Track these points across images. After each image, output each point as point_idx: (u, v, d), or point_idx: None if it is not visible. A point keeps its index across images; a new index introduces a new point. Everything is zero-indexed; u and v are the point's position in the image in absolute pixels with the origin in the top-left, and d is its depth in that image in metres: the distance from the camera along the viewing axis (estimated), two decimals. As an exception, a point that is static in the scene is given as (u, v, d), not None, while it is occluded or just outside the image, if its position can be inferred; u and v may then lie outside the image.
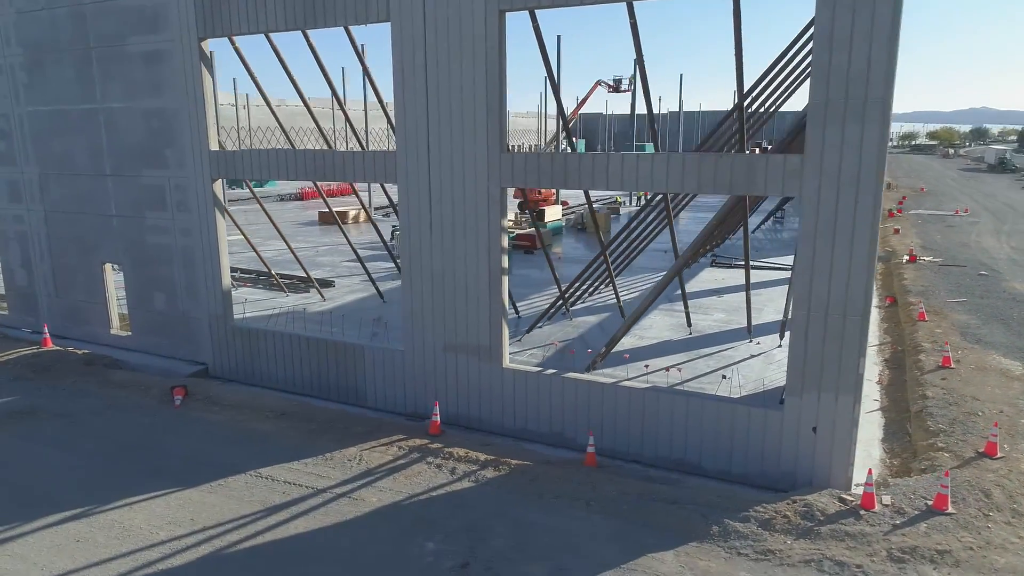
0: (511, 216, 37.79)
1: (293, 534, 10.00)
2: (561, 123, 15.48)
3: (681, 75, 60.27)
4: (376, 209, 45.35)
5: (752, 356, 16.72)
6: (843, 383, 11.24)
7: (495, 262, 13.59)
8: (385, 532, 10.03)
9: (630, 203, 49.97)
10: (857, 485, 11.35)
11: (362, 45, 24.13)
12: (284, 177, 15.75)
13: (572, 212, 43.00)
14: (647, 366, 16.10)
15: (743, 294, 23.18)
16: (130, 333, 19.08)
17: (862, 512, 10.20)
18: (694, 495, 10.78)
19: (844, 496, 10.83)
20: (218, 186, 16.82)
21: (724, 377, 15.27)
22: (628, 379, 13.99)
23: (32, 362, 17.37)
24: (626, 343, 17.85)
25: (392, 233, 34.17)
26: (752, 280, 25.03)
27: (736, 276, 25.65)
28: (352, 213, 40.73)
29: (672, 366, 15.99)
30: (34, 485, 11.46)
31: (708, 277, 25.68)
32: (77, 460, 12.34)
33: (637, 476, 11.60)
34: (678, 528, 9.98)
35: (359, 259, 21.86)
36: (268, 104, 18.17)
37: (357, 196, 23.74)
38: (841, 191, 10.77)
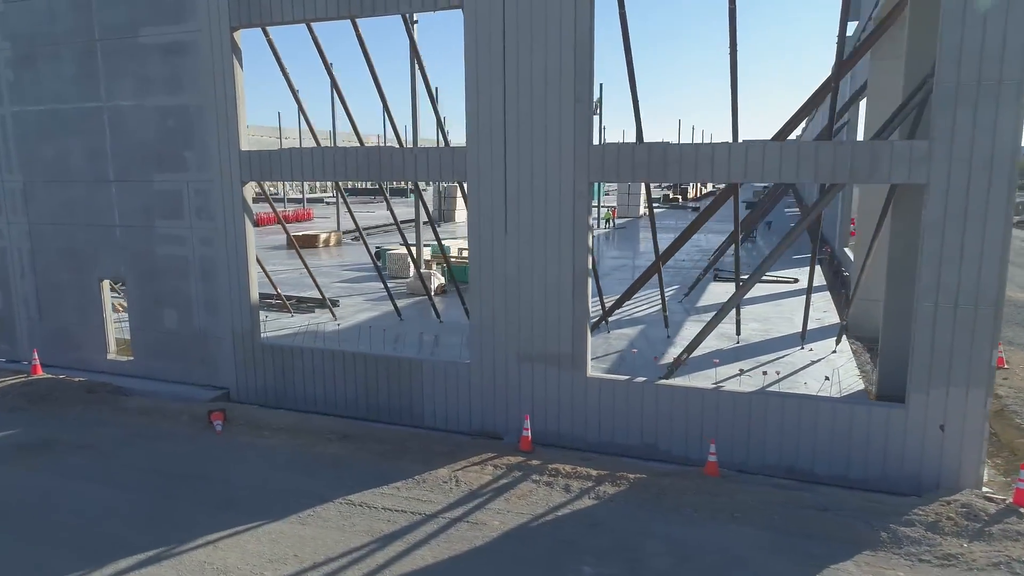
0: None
1: (423, 565, 8.68)
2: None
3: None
4: (345, 233, 43.65)
5: (813, 362, 16.26)
6: (974, 376, 10.79)
7: (580, 262, 12.68)
8: (529, 557, 8.83)
9: (598, 223, 49.56)
10: (986, 483, 10.89)
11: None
12: (331, 178, 14.46)
13: None
14: (742, 371, 15.36)
15: (764, 305, 23.00)
16: (131, 358, 17.12)
17: (1022, 510, 9.66)
18: (839, 501, 10.05)
19: (991, 495, 10.30)
20: (248, 190, 15.34)
21: (827, 378, 14.69)
22: (721, 383, 13.24)
23: (25, 391, 15.27)
24: (674, 354, 17.13)
25: (376, 254, 32.73)
26: (762, 292, 24.93)
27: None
28: (323, 237, 38.99)
29: (747, 370, 15.34)
30: (93, 526, 9.70)
31: (719, 291, 25.38)
32: (128, 495, 10.60)
33: (764, 485, 10.77)
34: (843, 536, 9.19)
35: (381, 276, 20.54)
36: (300, 107, 16.76)
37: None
38: (973, 176, 10.41)
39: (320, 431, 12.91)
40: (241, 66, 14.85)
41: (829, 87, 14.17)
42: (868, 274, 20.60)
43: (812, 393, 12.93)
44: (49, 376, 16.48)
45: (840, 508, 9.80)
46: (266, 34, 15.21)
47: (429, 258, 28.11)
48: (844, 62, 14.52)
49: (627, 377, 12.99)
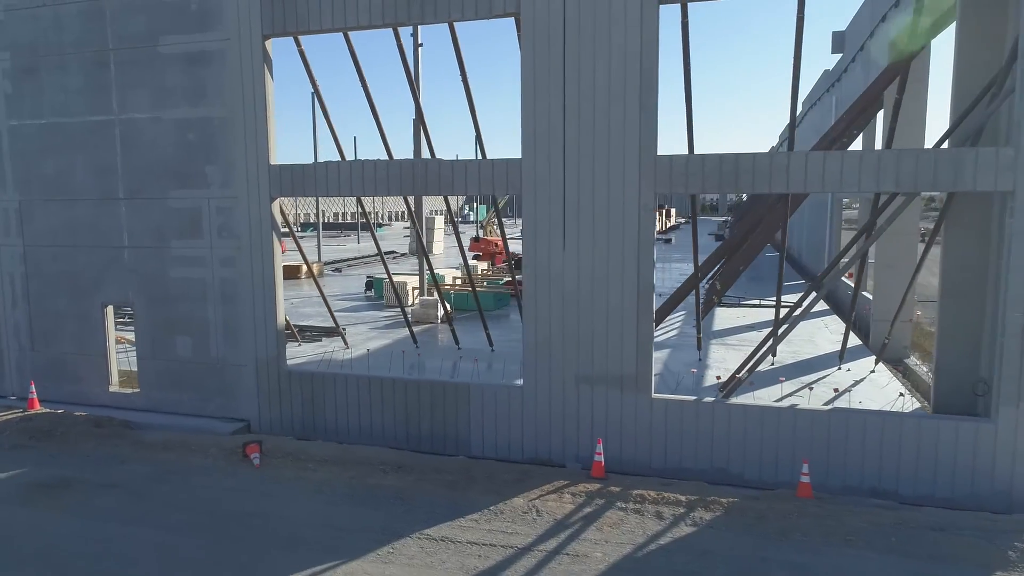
0: (483, 266, 36.27)
1: (536, 603, 7.84)
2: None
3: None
4: (326, 264, 42.48)
5: (857, 381, 15.96)
6: (1067, 388, 10.53)
7: (646, 279, 12.15)
8: (651, 590, 8.08)
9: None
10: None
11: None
12: (370, 192, 13.70)
13: None
14: (811, 388, 14.88)
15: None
16: (136, 390, 15.83)
17: None
18: (951, 521, 9.58)
19: (1098, 510, 9.96)
20: (276, 207, 14.45)
21: (901, 395, 14.32)
22: (789, 399, 12.74)
23: (25, 427, 13.88)
24: (711, 377, 16.67)
25: (367, 284, 31.81)
26: (767, 317, 24.80)
27: (755, 313, 25.32)
28: (305, 268, 37.74)
29: (796, 390, 14.93)
30: (152, 574, 8.56)
31: (728, 315, 25.15)
32: (181, 538, 9.47)
33: (864, 505, 10.24)
34: (970, 558, 8.69)
35: (402, 305, 19.66)
36: (328, 120, 15.96)
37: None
38: (1061, 183, 10.28)
39: (369, 462, 11.93)
40: (272, 76, 14.09)
41: (876, 100, 14.12)
42: (883, 295, 20.64)
43: (893, 410, 12.54)
44: (48, 411, 15.09)
45: (955, 528, 9.32)
46: (298, 44, 14.51)
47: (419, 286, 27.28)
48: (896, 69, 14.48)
49: (694, 398, 12.42)
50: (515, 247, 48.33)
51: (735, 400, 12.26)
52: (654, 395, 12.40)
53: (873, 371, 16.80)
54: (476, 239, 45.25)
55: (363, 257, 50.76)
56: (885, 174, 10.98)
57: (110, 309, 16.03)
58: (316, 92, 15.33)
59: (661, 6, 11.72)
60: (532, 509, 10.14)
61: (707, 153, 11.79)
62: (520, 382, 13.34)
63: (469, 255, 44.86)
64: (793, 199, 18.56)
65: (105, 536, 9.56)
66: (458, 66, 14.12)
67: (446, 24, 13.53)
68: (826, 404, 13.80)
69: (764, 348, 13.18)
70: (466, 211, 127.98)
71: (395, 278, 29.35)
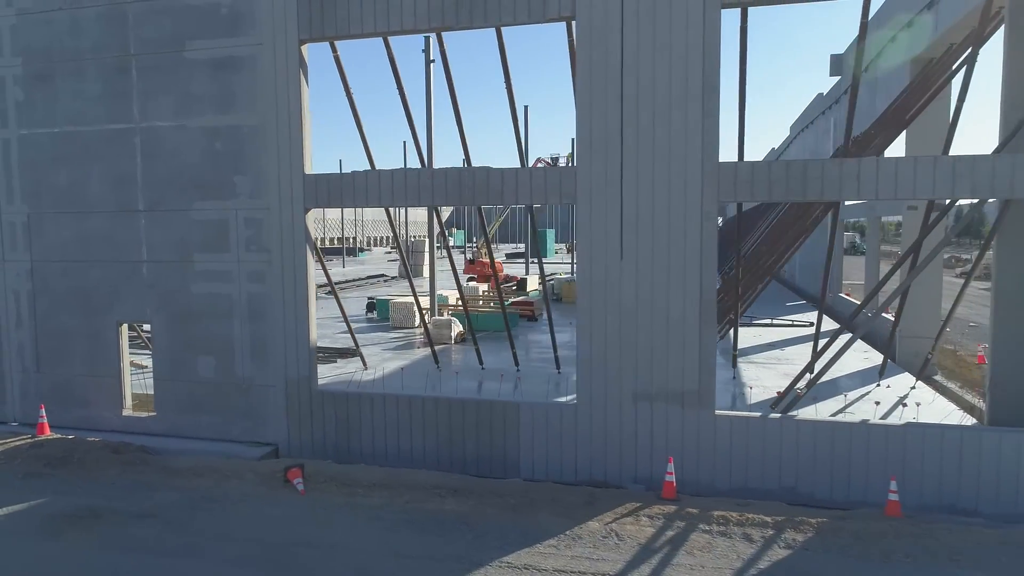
0: (484, 288, 35.65)
1: (650, 636, 7.19)
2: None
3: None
4: (319, 287, 41.43)
5: (902, 397, 15.59)
6: None
7: (708, 289, 11.70)
8: (769, 619, 7.48)
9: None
10: None
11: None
12: (413, 203, 13.12)
13: (551, 279, 41.32)
14: (877, 403, 14.37)
15: (800, 347, 22.53)
16: (153, 413, 14.90)
17: None
18: (1054, 538, 9.12)
19: None
20: (310, 218, 13.78)
21: (973, 406, 13.94)
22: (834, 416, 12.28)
23: (37, 454, 12.90)
24: (751, 394, 16.20)
25: (368, 306, 31.03)
26: (782, 336, 24.56)
27: (769, 333, 25.04)
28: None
29: (849, 403, 14.48)
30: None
31: (746, 334, 24.79)
32: (242, 571, 8.65)
33: (959, 523, 9.77)
34: (1088, 576, 8.23)
35: (427, 328, 18.97)
36: (360, 130, 15.31)
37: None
38: None
39: (421, 486, 11.20)
40: (307, 82, 13.51)
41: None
42: (909, 312, 20.45)
43: (968, 424, 12.16)
44: (59, 436, 14.09)
45: (1061, 546, 8.87)
46: (333, 49, 13.96)
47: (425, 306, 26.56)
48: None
49: (759, 414, 11.93)
50: (508, 270, 47.96)
51: (804, 416, 11.79)
52: (718, 411, 11.90)
53: (914, 387, 16.47)
54: (471, 261, 44.63)
55: (354, 280, 49.78)
56: (961, 181, 10.71)
57: (124, 328, 15.14)
58: (350, 99, 14.75)
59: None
60: (611, 533, 9.50)
61: (772, 160, 11.43)
62: (572, 399, 12.75)
63: (464, 277, 44.31)
64: (807, 211, 18.36)
65: (148, 570, 8.71)
66: (503, 73, 13.66)
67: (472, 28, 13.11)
68: (882, 418, 13.37)
69: (821, 361, 12.76)
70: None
71: (399, 300, 28.66)
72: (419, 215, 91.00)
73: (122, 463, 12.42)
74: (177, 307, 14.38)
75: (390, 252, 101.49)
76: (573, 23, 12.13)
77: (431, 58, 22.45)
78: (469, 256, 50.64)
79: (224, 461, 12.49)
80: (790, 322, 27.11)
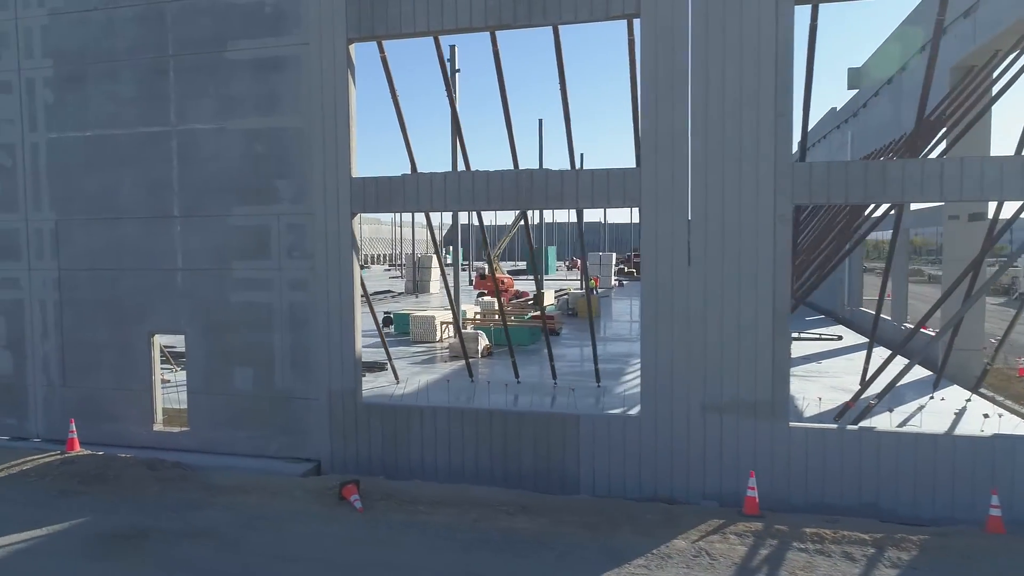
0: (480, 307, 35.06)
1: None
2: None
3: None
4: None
5: (959, 409, 15.10)
6: None
7: (782, 295, 11.21)
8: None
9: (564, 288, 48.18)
10: None
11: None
12: (467, 207, 12.66)
13: (564, 294, 40.82)
14: (967, 416, 13.83)
15: (836, 360, 22.11)
16: (186, 428, 14.25)
17: None
18: None
19: None
20: (356, 223, 13.26)
21: None
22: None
23: (69, 471, 12.23)
24: (805, 407, 15.68)
25: (384, 320, 30.39)
26: (813, 350, 24.12)
27: (799, 347, 24.59)
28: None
29: (912, 414, 13.99)
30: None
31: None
32: (310, 593, 8.02)
33: (1063, 540, 9.23)
34: None
35: (462, 342, 18.39)
36: (404, 133, 14.80)
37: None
38: None
39: (486, 503, 10.59)
40: (355, 83, 13.05)
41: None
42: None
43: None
44: (89, 452, 13.41)
45: None
46: (381, 49, 13.51)
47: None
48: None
49: (835, 426, 11.40)
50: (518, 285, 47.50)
51: (881, 428, 11.28)
52: (792, 423, 11.37)
53: (970, 399, 15.99)
54: (482, 276, 44.09)
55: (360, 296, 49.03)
56: (1050, 180, 10.30)
57: (156, 339, 14.52)
58: (395, 100, 14.26)
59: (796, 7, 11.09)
60: (702, 553, 8.91)
61: (850, 160, 11.01)
62: (636, 411, 12.20)
63: (474, 292, 43.72)
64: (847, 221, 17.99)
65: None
66: (558, 74, 13.22)
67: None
68: (952, 430, 12.86)
69: (897, 372, 12.27)
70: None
71: (419, 314, 28.10)
72: (420, 232, 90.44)
73: (160, 480, 11.77)
74: (213, 317, 13.78)
75: (389, 269, 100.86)
76: (636, 21, 11.78)
77: (456, 68, 22.11)
78: (477, 272, 50.15)
79: (268, 478, 11.86)
80: (817, 335, 26.69)
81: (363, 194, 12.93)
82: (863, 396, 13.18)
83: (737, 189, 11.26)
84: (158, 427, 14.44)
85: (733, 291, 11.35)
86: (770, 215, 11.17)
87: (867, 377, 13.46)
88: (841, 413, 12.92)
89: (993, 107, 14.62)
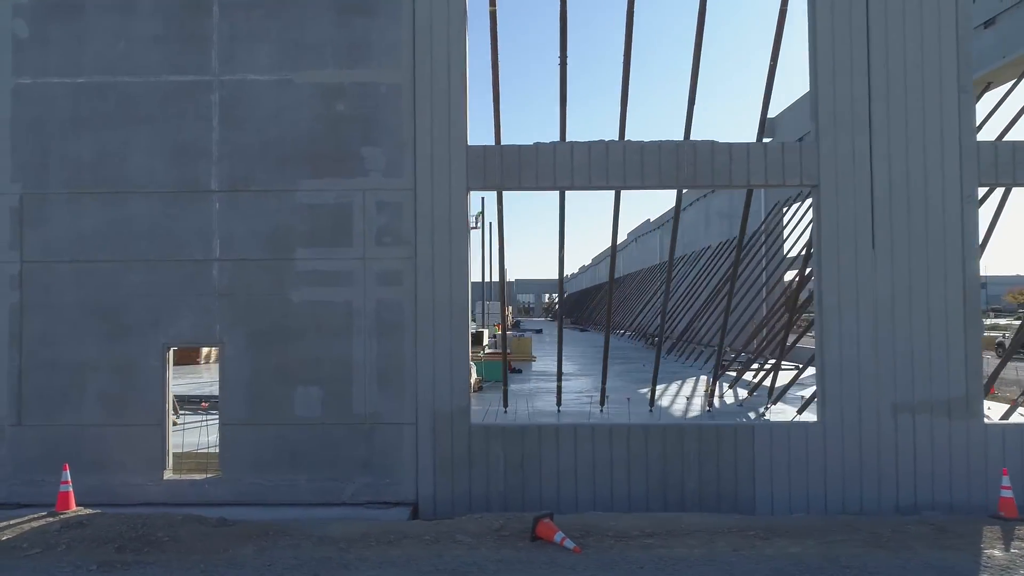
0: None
1: None
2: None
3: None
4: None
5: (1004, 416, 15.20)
6: None
7: (972, 281, 10.46)
8: None
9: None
10: None
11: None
12: (616, 184, 10.73)
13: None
14: None
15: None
16: (213, 474, 10.63)
17: None
18: None
19: None
20: (468, 202, 10.84)
21: None
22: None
23: (90, 536, 8.36)
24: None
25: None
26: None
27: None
28: (204, 351, 31.18)
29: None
30: None
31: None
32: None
33: None
34: None
35: (505, 358, 15.67)
36: (496, 99, 12.36)
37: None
38: None
39: (716, 530, 8.51)
40: (467, 31, 10.86)
41: None
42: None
43: None
44: (97, 511, 9.43)
45: None
46: (492, 3, 11.40)
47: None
48: None
49: (1026, 421, 10.69)
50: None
51: (1073, 420, 10.74)
52: (987, 421, 10.50)
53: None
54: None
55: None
56: None
57: (171, 354, 10.86)
58: (494, 62, 11.98)
59: (964, -15, 10.74)
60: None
61: (1032, 140, 10.66)
62: (814, 418, 10.75)
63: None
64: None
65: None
66: (696, 37, 11.77)
67: None
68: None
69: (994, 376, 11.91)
70: None
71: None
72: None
73: (225, 539, 8.34)
74: (266, 321, 10.54)
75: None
76: (805, -11, 10.86)
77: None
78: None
79: (393, 524, 8.87)
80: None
81: (483, 166, 10.63)
82: None
83: (922, 168, 10.48)
84: (169, 475, 10.65)
85: (920, 276, 10.43)
86: (957, 195, 10.47)
87: None
88: (1009, 411, 12.29)
89: None
